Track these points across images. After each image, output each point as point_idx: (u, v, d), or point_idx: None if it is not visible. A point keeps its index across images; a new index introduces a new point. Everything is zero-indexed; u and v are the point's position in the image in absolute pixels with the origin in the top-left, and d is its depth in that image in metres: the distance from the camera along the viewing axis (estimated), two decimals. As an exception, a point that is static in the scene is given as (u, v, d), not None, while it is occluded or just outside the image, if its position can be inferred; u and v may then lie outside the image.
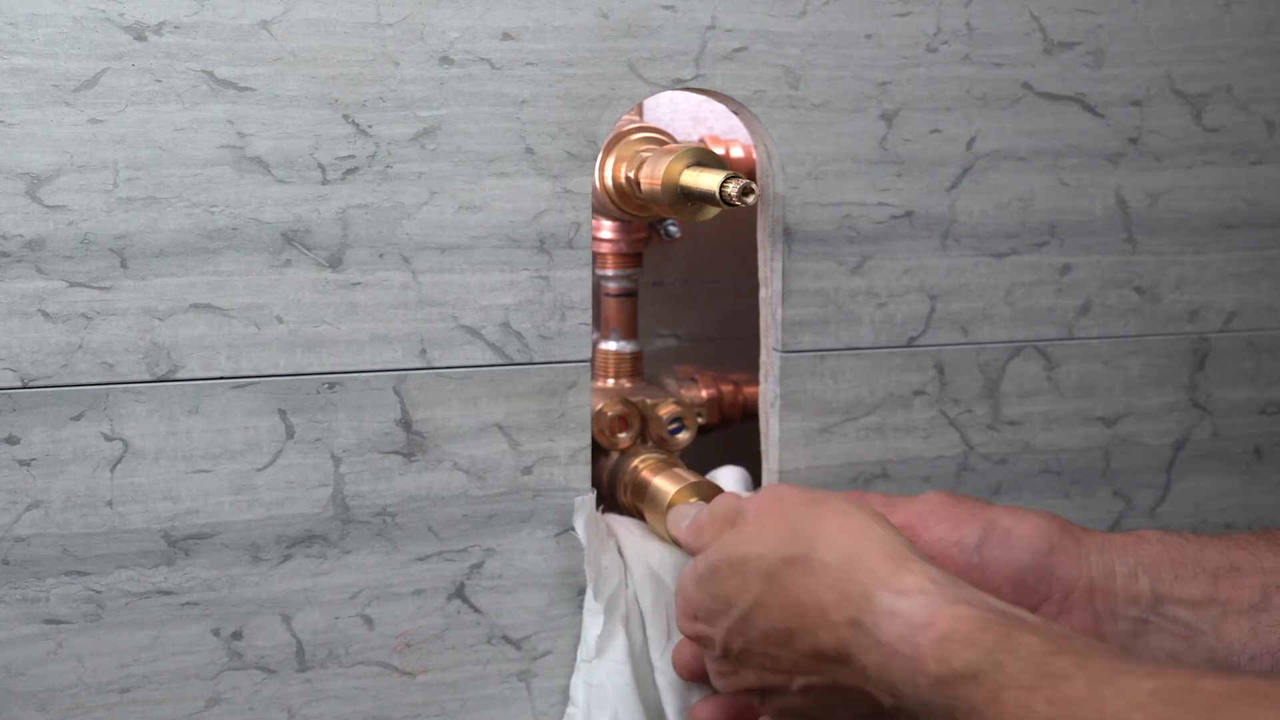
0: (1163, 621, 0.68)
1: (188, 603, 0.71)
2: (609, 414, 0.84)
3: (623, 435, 0.84)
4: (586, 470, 0.77)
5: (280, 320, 0.71)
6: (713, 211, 0.75)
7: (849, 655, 0.59)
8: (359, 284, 0.72)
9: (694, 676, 0.74)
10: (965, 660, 0.53)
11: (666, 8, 0.75)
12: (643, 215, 0.83)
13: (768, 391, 0.81)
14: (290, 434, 0.72)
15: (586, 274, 0.75)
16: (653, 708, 0.76)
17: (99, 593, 0.70)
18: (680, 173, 0.74)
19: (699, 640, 0.69)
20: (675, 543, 0.78)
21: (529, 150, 0.73)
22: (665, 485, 0.80)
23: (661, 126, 0.85)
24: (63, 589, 0.69)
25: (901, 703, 0.57)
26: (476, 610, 0.76)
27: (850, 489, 0.81)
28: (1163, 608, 0.68)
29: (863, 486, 0.81)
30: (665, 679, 0.76)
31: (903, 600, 0.57)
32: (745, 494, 0.77)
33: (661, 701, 0.76)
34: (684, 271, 0.98)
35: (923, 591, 0.57)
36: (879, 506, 0.73)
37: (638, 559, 0.78)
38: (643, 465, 0.83)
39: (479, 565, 0.75)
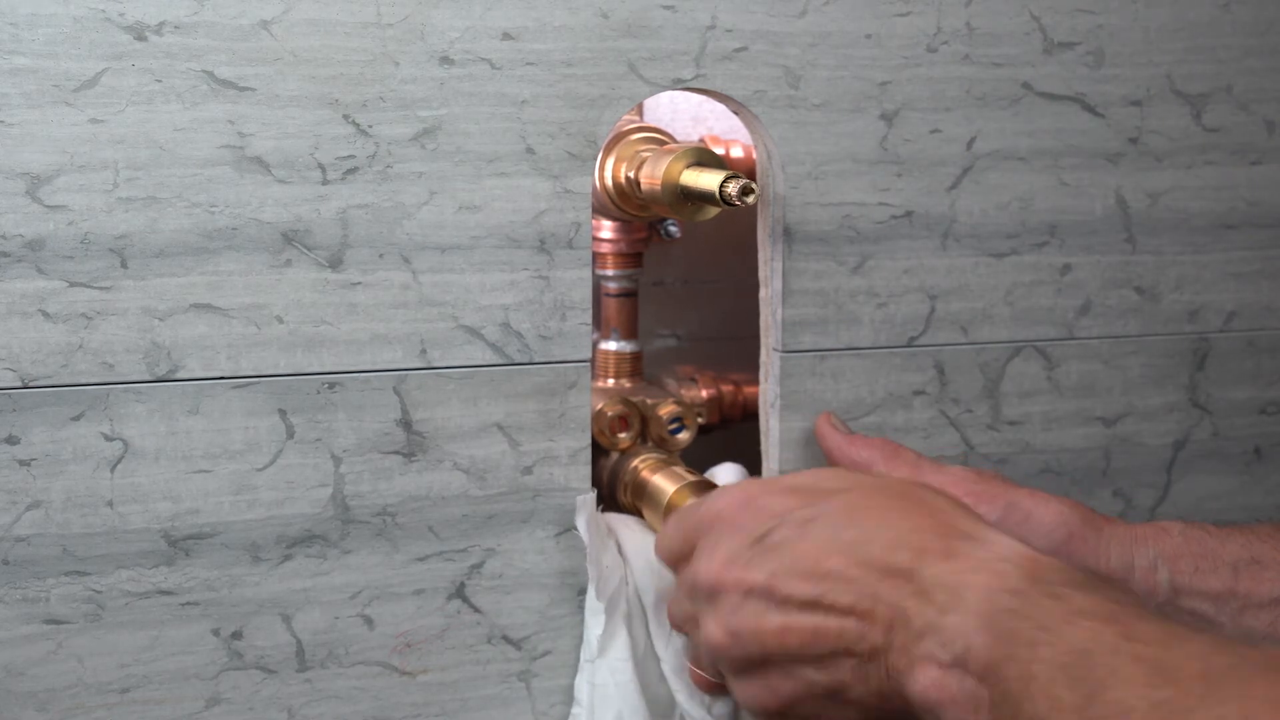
0: (1181, 614, 0.67)
1: (188, 603, 0.71)
2: (609, 414, 0.84)
3: (623, 435, 0.84)
4: (587, 470, 0.77)
5: (280, 320, 0.71)
6: (713, 211, 0.75)
7: (922, 562, 0.57)
8: (359, 284, 0.72)
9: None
10: (1054, 581, 0.54)
11: (666, 8, 0.75)
12: (643, 215, 0.83)
13: (768, 391, 0.81)
14: (290, 434, 0.72)
15: (586, 274, 0.75)
16: (656, 705, 0.76)
17: (99, 593, 0.70)
18: (680, 173, 0.74)
19: (730, 524, 0.65)
20: None
21: (529, 150, 0.73)
22: (664, 484, 0.80)
23: (661, 126, 0.85)
24: (63, 589, 0.69)
25: (944, 618, 0.55)
26: (476, 610, 0.76)
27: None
28: (1181, 600, 0.68)
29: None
30: (670, 667, 0.76)
31: (1013, 540, 0.57)
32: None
33: (671, 689, 0.76)
34: (684, 271, 0.98)
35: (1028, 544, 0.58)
36: (907, 466, 0.73)
37: (638, 554, 0.78)
38: (643, 465, 0.83)
39: (479, 565, 0.75)
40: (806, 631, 0.60)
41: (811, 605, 0.60)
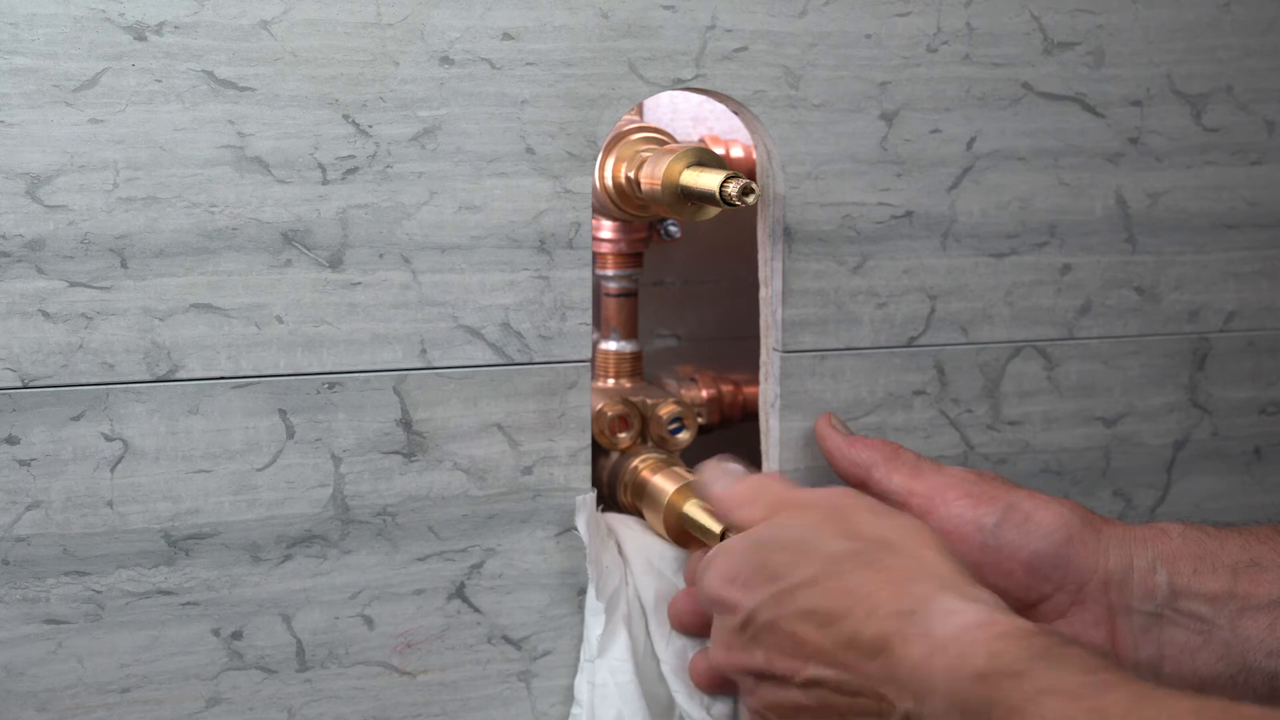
0: (1179, 616, 0.68)
1: (188, 603, 0.71)
2: (609, 414, 0.84)
3: (623, 435, 0.84)
4: (586, 470, 0.77)
5: (280, 320, 0.71)
6: (713, 211, 0.75)
7: (887, 646, 0.58)
8: (359, 284, 0.72)
9: (685, 629, 0.76)
10: (1015, 657, 0.53)
11: (666, 8, 0.75)
12: (643, 215, 0.83)
13: (768, 391, 0.81)
14: (290, 434, 0.72)
15: (586, 274, 0.75)
16: (656, 704, 0.76)
17: (99, 593, 0.70)
18: (680, 173, 0.74)
19: (722, 605, 0.67)
20: (673, 537, 0.78)
21: (529, 150, 0.73)
22: (664, 484, 0.80)
23: (661, 126, 0.85)
24: (63, 589, 0.69)
25: (922, 706, 0.56)
26: (476, 610, 0.76)
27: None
28: (1179, 602, 0.68)
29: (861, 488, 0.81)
30: (670, 667, 0.76)
31: (966, 603, 0.57)
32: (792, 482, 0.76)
33: (670, 690, 0.76)
34: (684, 271, 0.98)
35: (985, 602, 0.58)
36: (907, 468, 0.73)
37: (638, 554, 0.78)
38: (643, 465, 0.83)
39: (479, 565, 0.75)
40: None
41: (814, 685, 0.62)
